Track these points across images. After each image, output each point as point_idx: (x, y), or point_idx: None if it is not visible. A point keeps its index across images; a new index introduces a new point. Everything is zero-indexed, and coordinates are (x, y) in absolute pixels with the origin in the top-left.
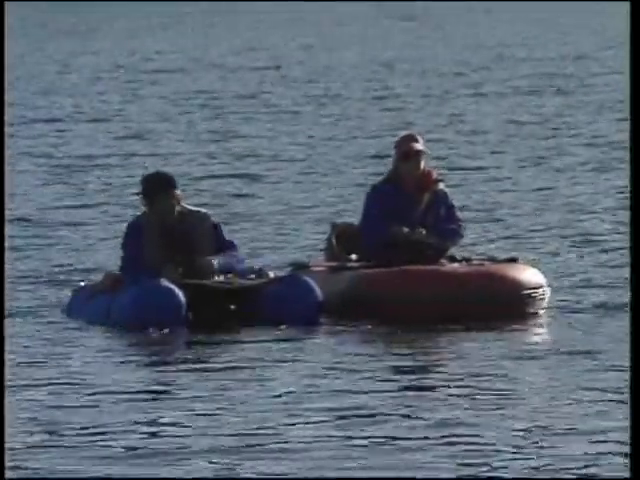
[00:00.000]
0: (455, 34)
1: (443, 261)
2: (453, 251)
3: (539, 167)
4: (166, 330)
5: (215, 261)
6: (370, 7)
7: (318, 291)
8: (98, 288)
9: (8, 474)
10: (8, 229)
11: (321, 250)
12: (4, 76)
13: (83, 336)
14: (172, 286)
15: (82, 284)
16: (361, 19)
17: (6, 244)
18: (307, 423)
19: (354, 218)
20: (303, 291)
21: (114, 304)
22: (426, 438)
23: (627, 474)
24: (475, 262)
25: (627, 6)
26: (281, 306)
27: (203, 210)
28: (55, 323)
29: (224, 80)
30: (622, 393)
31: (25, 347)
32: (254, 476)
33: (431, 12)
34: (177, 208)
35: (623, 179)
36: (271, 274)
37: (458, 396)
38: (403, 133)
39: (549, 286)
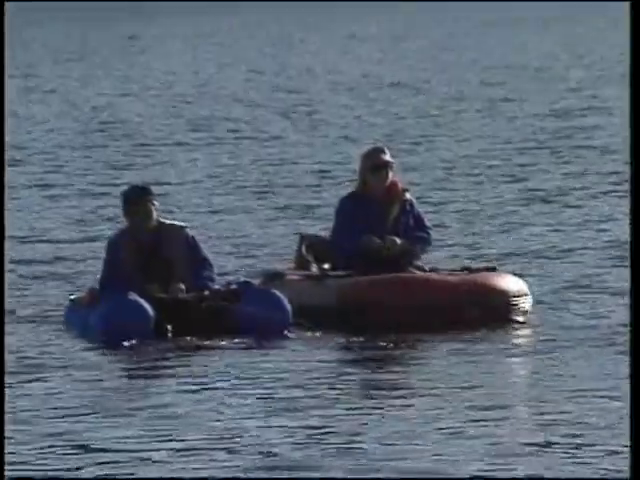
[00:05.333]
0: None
1: (413, 270)
2: (421, 262)
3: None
4: (135, 343)
5: (182, 287)
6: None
7: (288, 305)
8: (80, 302)
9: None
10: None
11: (284, 260)
12: (4, 77)
13: (62, 349)
14: (140, 300)
15: (72, 297)
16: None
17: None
18: (282, 433)
19: (320, 229)
20: (274, 306)
21: (89, 318)
22: (404, 445)
23: (627, 474)
24: (444, 272)
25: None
26: (253, 322)
27: (179, 223)
28: (49, 332)
29: (183, 103)
30: (612, 396)
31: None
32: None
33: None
34: (153, 222)
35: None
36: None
37: (443, 407)
38: (370, 145)
39: (531, 294)
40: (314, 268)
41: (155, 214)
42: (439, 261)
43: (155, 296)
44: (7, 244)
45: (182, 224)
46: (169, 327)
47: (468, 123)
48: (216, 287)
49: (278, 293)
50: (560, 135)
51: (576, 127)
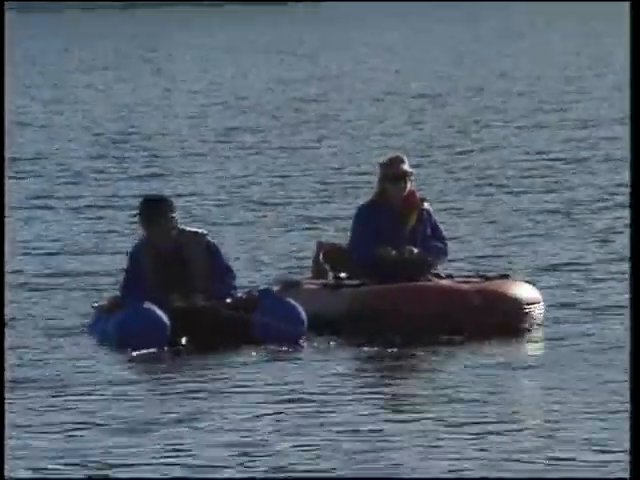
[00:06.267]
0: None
1: (430, 278)
2: (437, 269)
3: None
4: (150, 351)
5: (200, 296)
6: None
7: (303, 314)
8: (101, 309)
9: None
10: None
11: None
12: (4, 78)
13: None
14: (155, 309)
15: (95, 304)
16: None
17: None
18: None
19: (339, 238)
20: (290, 316)
21: (108, 325)
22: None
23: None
24: (459, 279)
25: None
26: (268, 331)
27: (200, 231)
28: (73, 339)
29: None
30: (619, 403)
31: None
32: None
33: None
34: (173, 231)
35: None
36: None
37: (456, 416)
38: (389, 155)
39: (544, 301)
40: (331, 276)
41: (175, 223)
42: (454, 268)
43: (172, 305)
44: (22, 256)
45: (203, 231)
46: (183, 337)
47: (487, 134)
48: (238, 295)
49: (294, 302)
50: (582, 146)
51: (597, 138)
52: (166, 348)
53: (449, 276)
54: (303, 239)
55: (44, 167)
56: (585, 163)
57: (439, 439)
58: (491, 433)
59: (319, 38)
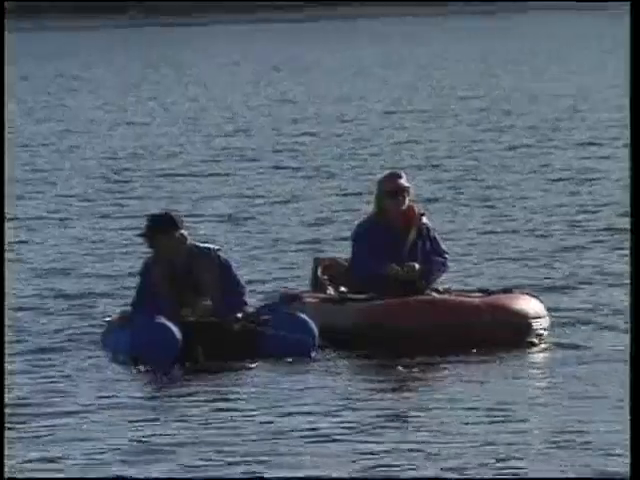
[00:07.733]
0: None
1: (431, 293)
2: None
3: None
4: (161, 366)
5: (210, 304)
6: None
7: (315, 328)
8: (112, 323)
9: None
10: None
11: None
12: (4, 79)
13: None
14: (167, 323)
15: (108, 318)
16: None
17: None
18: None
19: (336, 252)
20: (301, 330)
21: (119, 340)
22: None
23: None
24: (459, 293)
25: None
26: (280, 344)
27: (212, 246)
28: (81, 353)
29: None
30: (622, 415)
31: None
32: None
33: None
34: (184, 247)
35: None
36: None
37: (459, 427)
38: (387, 171)
39: (548, 315)
40: (330, 291)
41: (184, 239)
42: (452, 283)
43: (183, 319)
44: (31, 277)
45: (215, 247)
46: (200, 350)
47: (490, 153)
48: (250, 309)
49: (304, 315)
50: (587, 164)
51: (604, 156)
52: (178, 363)
53: (446, 291)
54: (304, 257)
55: (50, 188)
56: (590, 181)
57: (445, 453)
58: (498, 445)
59: (325, 55)
